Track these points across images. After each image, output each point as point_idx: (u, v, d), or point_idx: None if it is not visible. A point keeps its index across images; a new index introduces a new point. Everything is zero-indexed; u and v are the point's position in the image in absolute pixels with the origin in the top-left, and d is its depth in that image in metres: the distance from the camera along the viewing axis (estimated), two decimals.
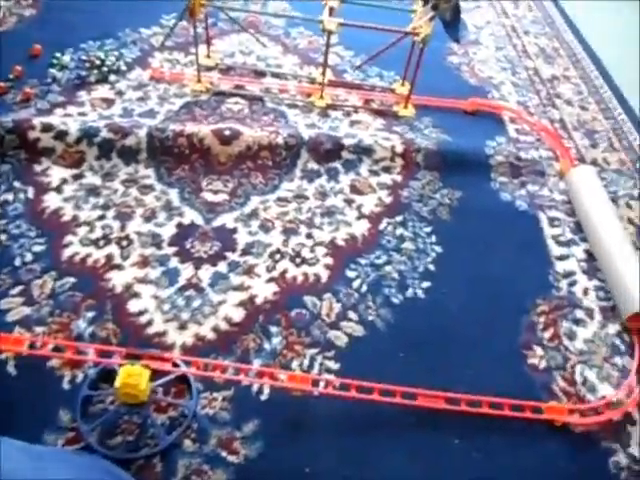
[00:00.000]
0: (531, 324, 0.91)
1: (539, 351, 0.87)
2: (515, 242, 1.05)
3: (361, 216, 1.04)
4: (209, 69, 1.31)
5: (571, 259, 1.01)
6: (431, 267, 0.97)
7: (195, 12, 1.10)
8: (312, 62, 1.40)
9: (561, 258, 1.01)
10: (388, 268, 0.95)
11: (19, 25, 1.35)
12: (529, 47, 1.61)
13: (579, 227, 1.07)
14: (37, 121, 1.06)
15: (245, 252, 0.94)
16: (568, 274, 0.98)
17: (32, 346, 0.76)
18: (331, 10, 1.18)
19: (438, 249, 1.00)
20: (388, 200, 1.07)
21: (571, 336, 0.89)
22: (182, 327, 0.83)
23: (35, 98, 1.15)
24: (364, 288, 0.92)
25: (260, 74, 1.33)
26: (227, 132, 1.10)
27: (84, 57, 1.27)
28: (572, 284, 0.97)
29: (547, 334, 0.89)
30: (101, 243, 0.92)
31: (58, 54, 1.26)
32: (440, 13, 1.14)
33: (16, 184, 0.99)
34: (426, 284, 0.94)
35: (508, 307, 0.93)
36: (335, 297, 0.90)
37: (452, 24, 1.16)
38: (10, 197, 0.97)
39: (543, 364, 0.85)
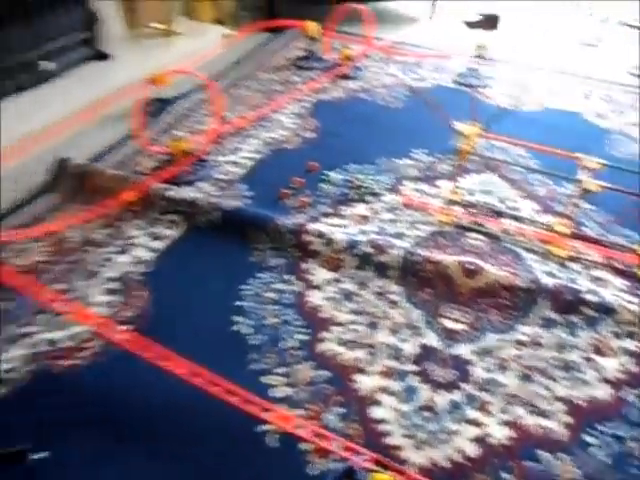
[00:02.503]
0: None
1: None
2: None
3: (602, 379, 1.00)
4: (453, 203, 1.44)
5: None
6: None
7: (463, 158, 1.24)
8: (550, 210, 1.45)
9: None
10: (632, 444, 0.89)
11: (302, 145, 1.65)
12: None
13: None
14: (311, 227, 1.26)
15: (480, 387, 0.97)
16: None
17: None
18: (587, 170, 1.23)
19: None
20: (633, 368, 1.02)
21: None
22: (418, 447, 0.87)
23: (308, 206, 1.38)
24: (606, 460, 0.87)
25: (499, 214, 1.42)
26: (471, 266, 1.18)
27: (348, 178, 1.49)
28: None
29: None
30: (351, 345, 1.03)
31: (328, 172, 1.51)
32: None
33: (288, 277, 1.17)
34: None
35: None
36: (573, 461, 0.86)
37: None
38: (283, 287, 1.15)
39: None
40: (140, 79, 1.70)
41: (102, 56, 1.91)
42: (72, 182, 1.40)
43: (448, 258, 1.20)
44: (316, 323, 1.07)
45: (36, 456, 0.81)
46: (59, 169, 1.42)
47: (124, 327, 1.02)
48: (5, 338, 1.00)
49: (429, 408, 0.93)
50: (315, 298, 1.13)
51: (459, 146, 1.24)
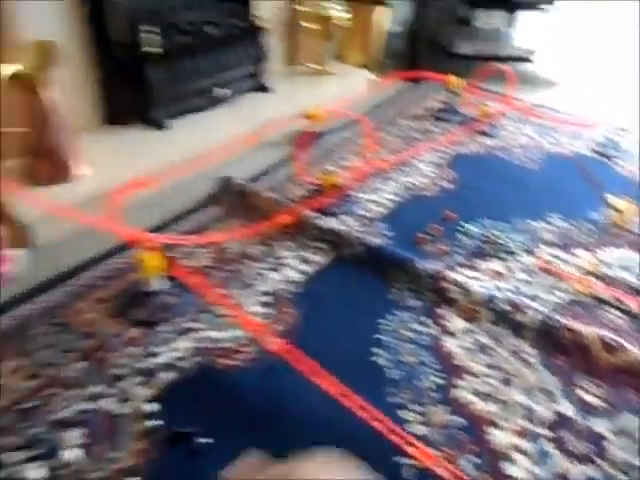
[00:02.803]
0: None
1: None
2: None
3: None
4: (589, 274, 1.43)
5: None
6: None
7: (615, 232, 1.25)
8: None
9: None
10: None
11: (440, 194, 1.72)
12: None
13: None
14: (448, 274, 1.31)
15: (617, 467, 0.96)
16: None
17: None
18: None
19: None
20: None
21: None
22: None
23: (445, 255, 1.43)
24: None
25: (639, 292, 1.39)
26: (611, 341, 1.17)
27: (484, 232, 1.53)
28: None
29: None
30: (485, 397, 1.06)
31: (464, 224, 1.56)
32: None
33: (425, 319, 1.23)
34: None
35: None
36: None
37: None
38: (420, 328, 1.20)
39: None
40: (295, 112, 1.86)
41: (263, 88, 2.12)
42: (233, 199, 1.56)
43: (587, 329, 1.19)
44: (451, 369, 1.12)
45: (201, 440, 0.92)
46: (222, 186, 1.59)
47: (278, 339, 1.12)
48: (175, 329, 1.13)
49: (564, 477, 0.93)
50: (450, 344, 1.17)
51: (611, 219, 1.25)
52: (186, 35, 1.73)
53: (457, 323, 1.23)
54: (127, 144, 1.67)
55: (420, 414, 1.01)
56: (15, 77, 1.27)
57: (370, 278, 1.33)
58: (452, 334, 1.20)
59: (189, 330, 1.14)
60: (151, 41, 1.60)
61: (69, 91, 1.46)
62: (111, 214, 1.32)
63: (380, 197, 1.67)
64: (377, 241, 1.42)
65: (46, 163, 1.40)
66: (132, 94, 1.67)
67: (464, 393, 1.07)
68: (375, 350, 1.14)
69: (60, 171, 1.42)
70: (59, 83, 1.36)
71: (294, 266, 1.35)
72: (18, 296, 1.19)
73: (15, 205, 1.27)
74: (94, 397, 0.99)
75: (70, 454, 0.89)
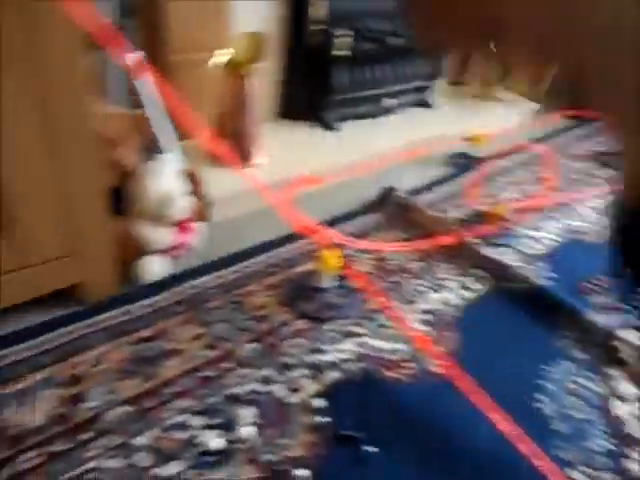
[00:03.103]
0: None
1: None
2: None
3: None
4: None
5: None
6: None
7: None
8: None
9: None
10: None
11: (603, 242, 1.62)
12: None
13: None
14: (619, 333, 1.22)
15: None
16: None
17: None
18: None
19: None
20: None
21: None
22: None
23: (614, 310, 1.34)
24: None
25: None
26: None
27: None
28: None
29: None
30: None
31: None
32: None
33: (592, 375, 1.16)
34: None
35: None
36: None
37: None
38: (587, 384, 1.14)
39: None
40: (456, 133, 1.84)
41: (427, 104, 2.11)
42: (394, 210, 1.56)
43: None
44: (621, 436, 1.04)
45: (368, 448, 0.92)
46: (385, 195, 1.60)
47: (443, 360, 1.10)
48: (340, 330, 1.15)
49: None
50: (620, 410, 1.10)
51: None
52: (371, 43, 1.76)
53: (627, 387, 1.15)
54: (298, 139, 1.73)
55: (590, 478, 0.95)
56: (228, 64, 1.35)
57: (533, 318, 1.28)
58: (622, 398, 1.12)
59: (352, 334, 1.15)
60: (342, 45, 1.64)
61: (261, 82, 1.53)
62: (285, 204, 1.37)
63: (541, 235, 1.60)
64: (542, 281, 1.36)
65: (233, 147, 1.48)
66: (312, 93, 1.73)
67: (637, 467, 0.99)
68: (538, 396, 1.09)
69: (244, 156, 1.49)
70: (260, 74, 1.44)
71: (454, 289, 1.32)
72: (196, 268, 1.26)
73: (204, 180, 1.35)
74: (266, 380, 1.02)
75: (245, 431, 0.93)
